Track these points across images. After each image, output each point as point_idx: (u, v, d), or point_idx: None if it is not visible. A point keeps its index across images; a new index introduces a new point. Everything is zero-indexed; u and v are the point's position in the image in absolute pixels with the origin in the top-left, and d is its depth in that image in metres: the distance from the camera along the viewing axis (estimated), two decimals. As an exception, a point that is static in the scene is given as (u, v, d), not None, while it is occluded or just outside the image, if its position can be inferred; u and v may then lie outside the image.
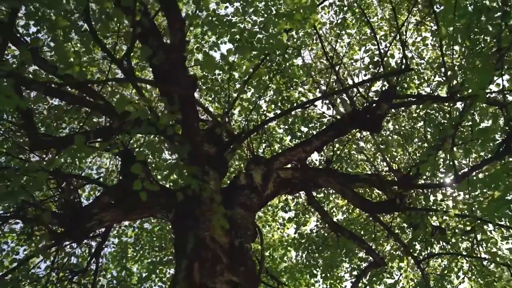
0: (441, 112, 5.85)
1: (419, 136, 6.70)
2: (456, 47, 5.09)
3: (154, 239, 7.27)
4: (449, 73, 4.73)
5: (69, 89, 5.00)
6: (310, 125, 6.76)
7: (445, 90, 5.94)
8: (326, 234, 6.74)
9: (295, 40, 5.58)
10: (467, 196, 6.06)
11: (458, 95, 4.54)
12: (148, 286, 7.02)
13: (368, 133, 7.48)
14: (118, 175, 6.89)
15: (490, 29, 4.38)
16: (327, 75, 6.84)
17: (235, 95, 6.02)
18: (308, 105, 6.22)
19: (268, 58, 5.25)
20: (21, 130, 5.31)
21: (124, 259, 7.06)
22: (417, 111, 6.69)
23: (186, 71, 3.44)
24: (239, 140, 4.85)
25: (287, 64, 5.91)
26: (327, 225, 6.34)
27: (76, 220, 5.28)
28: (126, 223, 7.37)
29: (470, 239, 6.98)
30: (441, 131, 4.94)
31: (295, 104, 6.72)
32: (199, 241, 3.54)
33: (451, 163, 4.99)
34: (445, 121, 5.68)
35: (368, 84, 5.68)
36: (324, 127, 6.59)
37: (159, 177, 6.63)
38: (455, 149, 5.01)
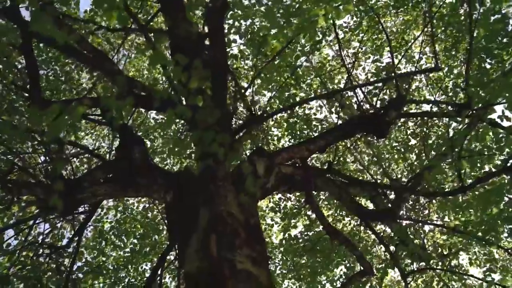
0: (449, 123, 5.91)
1: (419, 146, 6.77)
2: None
3: (137, 225, 6.96)
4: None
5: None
6: (311, 127, 6.71)
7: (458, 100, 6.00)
8: (315, 239, 6.63)
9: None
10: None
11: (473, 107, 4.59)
12: (124, 276, 6.67)
13: (363, 143, 7.53)
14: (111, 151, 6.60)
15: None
16: (337, 77, 6.87)
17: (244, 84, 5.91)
18: (316, 99, 6.16)
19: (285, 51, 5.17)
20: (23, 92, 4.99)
21: (103, 242, 6.71)
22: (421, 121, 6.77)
23: (224, 37, 3.31)
24: (257, 122, 4.71)
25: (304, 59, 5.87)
26: (322, 227, 6.23)
27: (67, 191, 4.99)
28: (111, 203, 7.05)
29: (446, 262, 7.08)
30: (446, 142, 4.96)
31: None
32: (215, 215, 3.36)
33: (457, 173, 5.05)
34: (449, 132, 5.75)
35: (380, 89, 5.68)
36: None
37: (157, 158, 6.39)
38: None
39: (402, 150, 7.23)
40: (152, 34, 5.28)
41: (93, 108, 5.18)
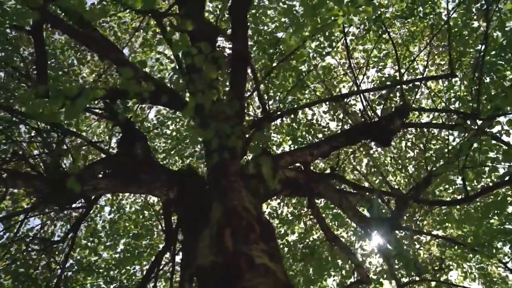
0: (449, 136, 5.95)
1: (417, 158, 6.81)
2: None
3: (131, 226, 6.79)
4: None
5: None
6: (312, 133, 6.69)
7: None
8: (312, 245, 6.56)
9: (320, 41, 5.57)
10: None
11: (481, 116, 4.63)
12: (115, 276, 6.47)
13: (362, 152, 7.54)
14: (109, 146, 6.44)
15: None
16: (341, 85, 6.89)
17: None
18: (326, 102, 6.14)
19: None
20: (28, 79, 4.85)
21: (96, 240, 6.51)
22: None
23: (247, 29, 3.27)
24: (270, 120, 4.66)
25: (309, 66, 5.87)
26: (323, 232, 6.18)
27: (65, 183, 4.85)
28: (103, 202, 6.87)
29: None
30: (452, 150, 4.99)
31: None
32: (230, 209, 3.28)
33: (462, 182, 5.06)
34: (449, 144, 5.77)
35: (385, 96, 5.71)
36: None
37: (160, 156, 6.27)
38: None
39: (399, 161, 7.26)
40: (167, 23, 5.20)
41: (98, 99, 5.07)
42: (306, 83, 6.19)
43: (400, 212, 5.84)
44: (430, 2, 5.58)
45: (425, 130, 6.83)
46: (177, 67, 3.85)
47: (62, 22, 4.03)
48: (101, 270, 6.25)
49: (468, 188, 6.35)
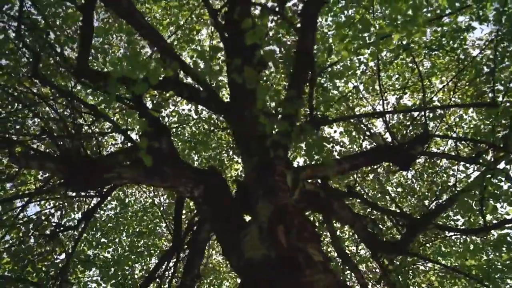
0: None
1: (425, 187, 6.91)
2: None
3: (134, 223, 6.61)
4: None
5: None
6: (328, 151, 6.73)
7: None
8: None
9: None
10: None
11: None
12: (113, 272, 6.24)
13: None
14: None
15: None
16: (358, 106, 7.00)
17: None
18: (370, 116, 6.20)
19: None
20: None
21: (99, 233, 6.30)
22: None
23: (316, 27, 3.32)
24: (319, 124, 4.69)
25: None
26: (335, 251, 6.14)
27: (92, 167, 4.73)
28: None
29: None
30: (474, 180, 5.09)
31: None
32: (280, 207, 3.25)
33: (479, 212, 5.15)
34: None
35: (411, 120, 5.82)
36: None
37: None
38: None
39: (406, 189, 7.37)
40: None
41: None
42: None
43: (411, 237, 5.89)
44: (459, 37, 5.79)
45: (436, 160, 6.97)
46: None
47: (116, 2, 4.00)
48: (100, 264, 6.02)
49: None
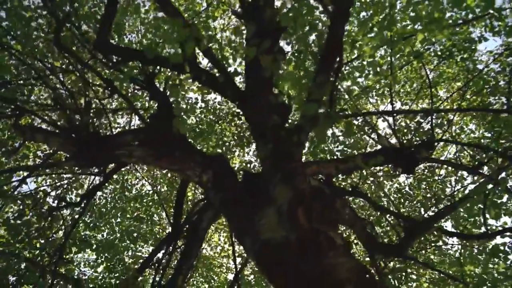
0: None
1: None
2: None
3: (131, 208, 6.52)
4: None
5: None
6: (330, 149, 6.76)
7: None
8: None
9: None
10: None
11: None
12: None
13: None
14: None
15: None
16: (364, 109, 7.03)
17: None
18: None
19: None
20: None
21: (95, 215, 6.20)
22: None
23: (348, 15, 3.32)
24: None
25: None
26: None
27: (102, 144, 4.67)
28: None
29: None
30: (478, 187, 5.16)
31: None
32: (300, 191, 3.25)
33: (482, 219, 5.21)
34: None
35: (418, 124, 5.88)
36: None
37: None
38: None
39: (404, 196, 7.43)
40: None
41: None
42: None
43: (410, 240, 5.92)
44: (470, 48, 5.87)
45: (435, 169, 7.05)
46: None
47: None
48: (95, 245, 5.91)
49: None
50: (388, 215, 5.95)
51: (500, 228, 5.25)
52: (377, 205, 5.81)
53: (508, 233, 5.06)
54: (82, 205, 4.97)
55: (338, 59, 3.46)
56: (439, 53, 6.17)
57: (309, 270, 2.61)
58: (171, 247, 6.15)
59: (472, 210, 4.98)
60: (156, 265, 5.62)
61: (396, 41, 4.04)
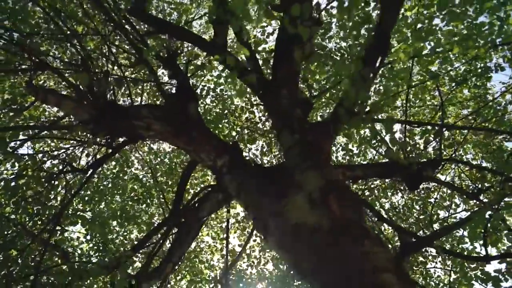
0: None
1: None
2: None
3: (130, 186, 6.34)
4: None
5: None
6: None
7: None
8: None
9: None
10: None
11: None
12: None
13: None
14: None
15: None
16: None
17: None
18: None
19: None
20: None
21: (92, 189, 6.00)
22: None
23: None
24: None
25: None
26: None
27: (120, 113, 4.56)
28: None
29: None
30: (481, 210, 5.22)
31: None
32: (330, 180, 3.22)
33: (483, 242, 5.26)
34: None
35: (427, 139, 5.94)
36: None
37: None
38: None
39: (400, 213, 7.48)
40: None
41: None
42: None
43: (406, 256, 5.94)
44: (484, 75, 6.00)
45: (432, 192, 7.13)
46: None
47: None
48: (89, 220, 5.70)
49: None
50: (388, 227, 5.94)
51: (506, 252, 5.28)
52: (382, 217, 5.81)
53: (508, 259, 5.13)
54: (88, 174, 4.81)
55: (381, 57, 3.47)
56: (453, 76, 6.30)
57: (344, 255, 2.56)
58: (164, 232, 6.00)
59: (475, 233, 5.02)
60: (149, 248, 5.47)
61: (429, 54, 4.08)
